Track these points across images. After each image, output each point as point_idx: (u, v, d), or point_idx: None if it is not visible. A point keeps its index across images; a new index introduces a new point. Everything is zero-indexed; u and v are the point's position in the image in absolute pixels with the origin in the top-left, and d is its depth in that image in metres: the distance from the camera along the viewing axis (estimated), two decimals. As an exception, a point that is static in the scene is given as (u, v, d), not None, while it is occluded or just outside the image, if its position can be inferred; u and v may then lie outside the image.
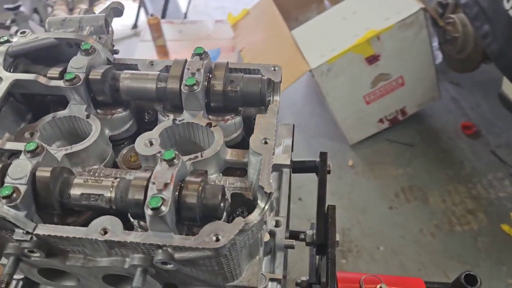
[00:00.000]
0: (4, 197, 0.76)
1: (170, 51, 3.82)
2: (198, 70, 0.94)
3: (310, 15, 4.01)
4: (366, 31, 3.21)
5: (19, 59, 1.02)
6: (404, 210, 3.47)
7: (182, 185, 0.79)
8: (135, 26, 4.91)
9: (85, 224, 0.84)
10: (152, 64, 1.06)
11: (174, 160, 0.79)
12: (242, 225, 0.77)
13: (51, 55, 1.06)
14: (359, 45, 3.21)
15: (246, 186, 0.90)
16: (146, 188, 0.78)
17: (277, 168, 1.22)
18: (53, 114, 0.97)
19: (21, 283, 1.08)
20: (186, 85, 0.92)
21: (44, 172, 0.80)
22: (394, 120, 3.84)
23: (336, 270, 1.43)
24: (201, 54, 0.98)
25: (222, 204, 0.80)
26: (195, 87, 0.92)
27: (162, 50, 3.81)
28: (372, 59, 3.33)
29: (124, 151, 1.02)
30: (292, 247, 1.10)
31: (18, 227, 0.78)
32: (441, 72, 4.15)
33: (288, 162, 1.22)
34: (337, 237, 1.26)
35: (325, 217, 1.28)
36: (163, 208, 0.74)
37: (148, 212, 0.74)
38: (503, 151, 3.74)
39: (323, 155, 1.42)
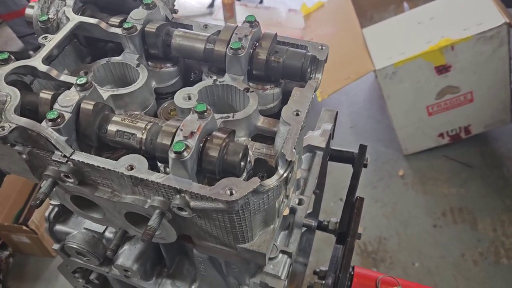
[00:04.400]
0: (50, 120, 0.84)
1: (240, 33, 3.90)
2: (246, 36, 0.97)
3: (386, 16, 3.91)
4: (441, 39, 3.08)
5: (88, 5, 1.10)
6: (449, 231, 3.32)
7: (208, 138, 0.83)
8: (211, 5, 5.04)
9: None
10: (206, 27, 1.10)
11: (205, 113, 0.83)
12: (257, 185, 0.80)
13: (117, 6, 1.13)
14: (431, 53, 3.09)
15: (271, 153, 0.92)
16: (174, 135, 0.82)
17: (311, 149, 1.23)
18: (108, 59, 1.04)
19: (56, 209, 1.19)
20: (231, 48, 0.95)
21: (88, 105, 0.87)
22: (456, 137, 3.66)
23: (356, 265, 1.42)
24: (252, 22, 1.00)
25: (242, 163, 0.83)
26: (239, 51, 0.95)
27: (233, 31, 3.90)
28: (442, 69, 3.20)
29: (166, 104, 1.07)
30: (310, 226, 1.11)
31: (57, 149, 0.85)
32: (518, 96, 3.89)
33: (323, 145, 1.22)
34: (360, 229, 1.25)
35: (352, 207, 1.27)
36: (185, 153, 0.78)
37: (171, 155, 0.78)
38: None
39: (363, 148, 1.40)
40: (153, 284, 1.24)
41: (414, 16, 3.37)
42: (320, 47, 1.03)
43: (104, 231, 1.18)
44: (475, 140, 3.73)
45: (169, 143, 0.82)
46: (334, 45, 3.64)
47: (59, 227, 1.21)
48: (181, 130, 0.80)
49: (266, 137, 1.01)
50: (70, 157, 0.86)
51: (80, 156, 0.86)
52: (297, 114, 0.90)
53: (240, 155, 0.82)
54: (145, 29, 1.02)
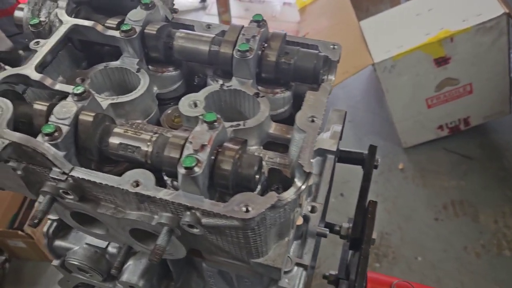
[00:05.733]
0: (46, 134, 0.77)
1: (234, 28, 3.82)
2: (254, 37, 0.91)
3: (382, 8, 3.85)
4: (440, 31, 3.02)
5: (82, 6, 1.03)
6: (450, 224, 3.29)
7: (219, 150, 0.76)
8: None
9: (121, 174, 0.84)
10: (208, 27, 1.04)
11: (215, 123, 0.77)
12: (275, 201, 0.74)
13: (112, 6, 1.06)
14: (430, 45, 3.03)
15: (285, 163, 0.86)
16: (183, 147, 0.76)
17: (322, 153, 1.17)
18: (105, 64, 0.97)
19: (55, 224, 1.12)
20: (238, 50, 0.89)
21: (87, 116, 0.80)
22: (455, 129, 3.63)
23: (367, 269, 1.37)
24: (259, 21, 0.94)
25: (257, 176, 0.77)
26: (247, 53, 0.89)
27: (226, 26, 3.82)
28: (441, 61, 3.15)
29: (169, 110, 1.01)
30: (324, 235, 1.06)
31: (55, 166, 0.78)
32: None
33: (334, 149, 1.16)
34: (374, 235, 1.20)
35: (365, 212, 1.22)
36: (196, 169, 0.72)
37: (181, 171, 0.72)
38: None
39: (372, 149, 1.34)
40: (160, 299, 1.18)
41: (412, 7, 3.32)
42: (332, 46, 0.97)
43: (107, 246, 1.11)
44: (474, 131, 3.70)
45: (177, 156, 0.76)
46: (331, 39, 3.56)
47: (58, 243, 1.14)
48: (191, 142, 0.74)
49: (277, 144, 0.96)
50: (70, 174, 0.79)
51: (80, 173, 0.79)
52: (313, 121, 0.84)
53: (256, 167, 0.76)
54: (145, 31, 0.95)
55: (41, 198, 0.88)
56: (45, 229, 1.11)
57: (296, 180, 0.80)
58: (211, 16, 3.88)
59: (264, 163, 0.87)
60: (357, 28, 3.41)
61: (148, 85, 0.94)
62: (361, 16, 3.62)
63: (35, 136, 0.80)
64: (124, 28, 0.94)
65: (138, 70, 0.96)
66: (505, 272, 3.02)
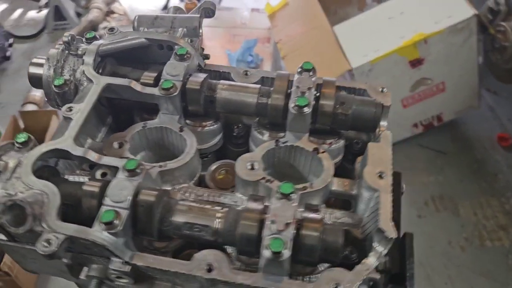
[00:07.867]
0: (106, 223, 0.68)
1: (204, 38, 3.70)
2: (309, 89, 0.85)
3: (350, 10, 3.88)
4: (414, 34, 3.08)
5: (107, 59, 0.93)
6: (433, 220, 3.38)
7: (300, 223, 0.71)
8: (165, 7, 4.78)
9: (177, 251, 0.77)
10: (246, 74, 0.97)
11: (292, 194, 0.71)
12: (365, 275, 0.70)
13: (137, 55, 0.97)
14: (405, 48, 3.09)
15: (354, 222, 0.82)
16: (260, 224, 0.70)
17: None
18: (143, 124, 0.89)
19: None
20: (296, 105, 0.83)
21: (148, 196, 0.72)
22: (429, 125, 3.73)
23: None
24: (310, 70, 0.88)
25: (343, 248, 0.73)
26: (305, 108, 0.83)
27: (196, 36, 3.70)
28: (416, 63, 3.21)
29: (212, 167, 0.94)
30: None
31: (116, 256, 0.70)
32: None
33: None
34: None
35: (401, 245, 1.20)
36: (285, 251, 0.66)
37: (267, 254, 0.66)
38: (539, 166, 3.63)
39: (397, 176, 1.32)
40: None
41: (384, 11, 3.36)
42: (380, 89, 0.93)
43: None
44: (446, 126, 3.82)
45: (255, 233, 0.70)
46: (306, 45, 3.57)
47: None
48: (273, 222, 0.68)
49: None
50: (132, 263, 0.71)
51: (143, 260, 0.72)
52: (381, 177, 0.80)
53: (341, 239, 0.71)
54: (187, 87, 0.88)
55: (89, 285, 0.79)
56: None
57: (375, 245, 0.75)
58: (179, 26, 3.73)
59: (330, 222, 0.82)
60: (331, 34, 3.41)
61: (196, 146, 0.86)
62: (329, 19, 3.62)
63: (84, 220, 0.72)
64: (165, 85, 0.85)
65: (182, 130, 0.88)
66: (489, 263, 3.14)
